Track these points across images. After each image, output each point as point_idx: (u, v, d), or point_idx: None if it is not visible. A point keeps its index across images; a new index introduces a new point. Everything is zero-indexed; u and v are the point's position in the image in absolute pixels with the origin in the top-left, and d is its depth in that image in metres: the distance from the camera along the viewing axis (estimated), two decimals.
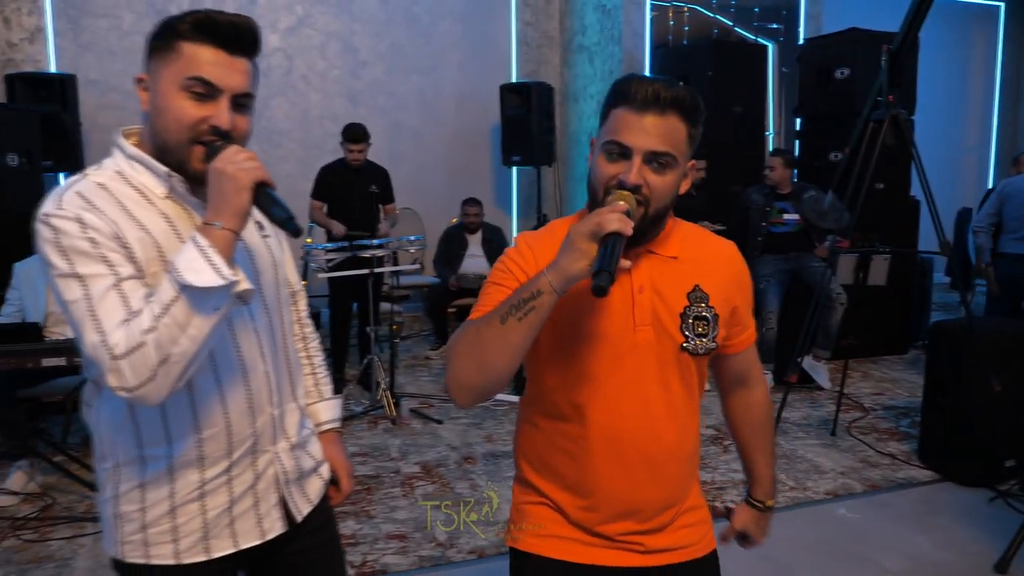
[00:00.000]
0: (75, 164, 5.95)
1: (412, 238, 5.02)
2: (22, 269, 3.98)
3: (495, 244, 6.43)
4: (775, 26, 7.63)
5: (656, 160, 1.28)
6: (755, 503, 1.64)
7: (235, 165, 1.21)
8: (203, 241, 1.18)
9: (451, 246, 6.41)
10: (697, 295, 1.39)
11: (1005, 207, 5.29)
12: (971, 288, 5.23)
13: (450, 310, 6.32)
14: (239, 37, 1.27)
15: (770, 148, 7.46)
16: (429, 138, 7.59)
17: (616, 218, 1.15)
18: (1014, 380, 3.70)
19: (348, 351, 5.60)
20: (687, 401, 1.42)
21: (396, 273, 5.38)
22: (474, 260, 6.39)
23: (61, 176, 6.13)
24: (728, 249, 1.49)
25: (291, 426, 1.47)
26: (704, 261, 1.43)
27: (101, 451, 1.37)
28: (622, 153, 1.29)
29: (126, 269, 1.20)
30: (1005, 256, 5.33)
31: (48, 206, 1.20)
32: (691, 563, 1.47)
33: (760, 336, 5.27)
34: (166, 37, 1.25)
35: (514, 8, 7.73)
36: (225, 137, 1.27)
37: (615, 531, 1.42)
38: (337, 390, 5.00)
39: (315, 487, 1.53)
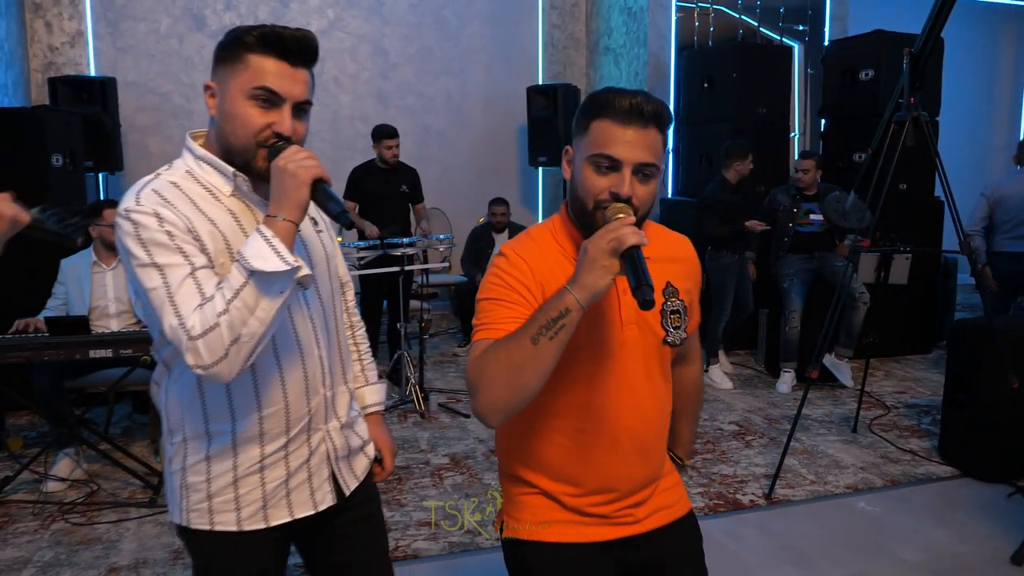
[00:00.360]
0: (114, 164, 6.14)
1: (441, 236, 5.15)
2: (68, 264, 4.15)
3: None
4: (800, 27, 7.67)
5: (643, 171, 1.37)
6: (675, 459, 1.77)
7: (296, 163, 1.33)
8: (268, 232, 1.30)
9: (478, 245, 6.53)
10: (670, 290, 1.51)
11: (997, 210, 5.43)
12: (990, 288, 5.27)
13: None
14: (301, 50, 1.39)
15: (795, 149, 7.50)
16: (456, 139, 7.72)
17: (631, 231, 1.24)
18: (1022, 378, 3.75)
19: (378, 347, 5.74)
20: (666, 387, 1.55)
21: (425, 271, 5.52)
22: None
23: (100, 176, 6.33)
24: (685, 245, 1.61)
25: (341, 407, 1.59)
26: (670, 258, 1.54)
27: (169, 427, 1.50)
28: (611, 166, 1.37)
29: (199, 259, 1.32)
30: (1000, 255, 5.47)
31: (128, 202, 1.33)
32: (675, 523, 1.58)
33: (783, 334, 5.34)
34: (234, 49, 1.37)
35: (541, 11, 7.83)
36: (286, 141, 1.38)
37: (609, 510, 1.52)
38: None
39: (361, 464, 1.65)
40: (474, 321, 1.44)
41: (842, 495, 3.64)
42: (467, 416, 4.75)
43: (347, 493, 1.59)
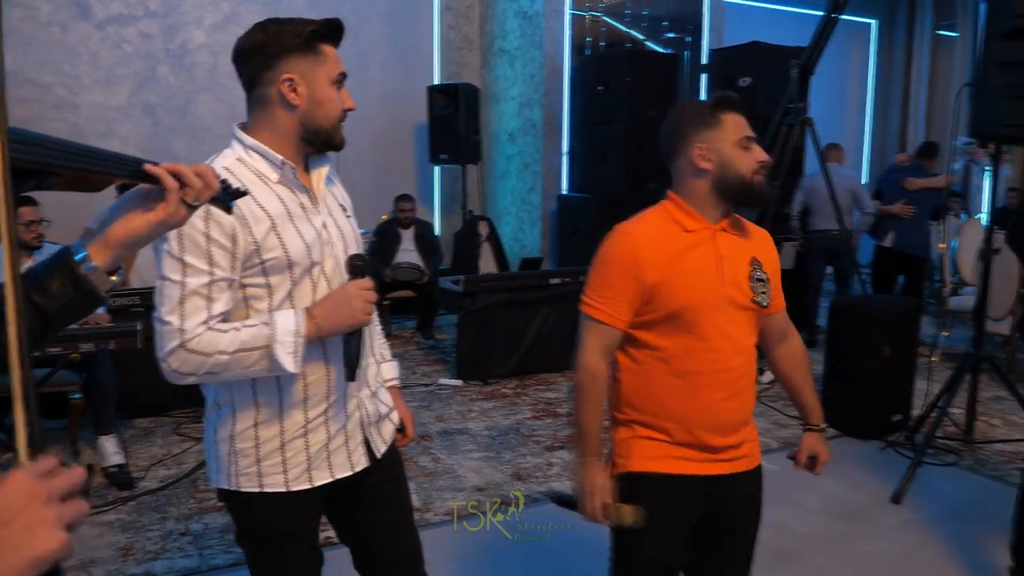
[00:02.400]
0: None
1: (362, 232, 5.28)
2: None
3: (427, 239, 6.74)
4: (683, 37, 8.25)
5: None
6: (814, 427, 2.03)
7: (362, 304, 1.53)
8: (303, 328, 1.49)
9: (385, 241, 6.67)
10: (755, 263, 1.83)
11: (811, 198, 6.32)
12: (858, 269, 5.98)
13: (384, 302, 6.58)
14: (341, 35, 1.60)
15: None
16: (355, 137, 7.66)
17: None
18: (899, 348, 4.35)
19: None
20: (753, 342, 1.86)
21: None
22: (407, 254, 6.67)
23: None
24: (766, 235, 1.94)
25: (371, 377, 1.77)
26: (755, 241, 1.87)
27: (216, 400, 1.62)
28: (749, 144, 1.77)
29: (222, 271, 1.47)
30: (818, 231, 6.33)
31: None
32: (754, 470, 1.89)
33: None
34: (311, 41, 1.53)
35: (436, 12, 8.04)
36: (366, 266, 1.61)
37: (713, 444, 1.80)
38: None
39: (388, 430, 1.81)
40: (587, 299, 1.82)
41: None
42: None
43: (379, 455, 1.74)
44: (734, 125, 1.77)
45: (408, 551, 1.86)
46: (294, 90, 1.53)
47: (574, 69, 7.50)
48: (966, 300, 6.08)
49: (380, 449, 1.76)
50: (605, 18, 7.93)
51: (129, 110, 6.85)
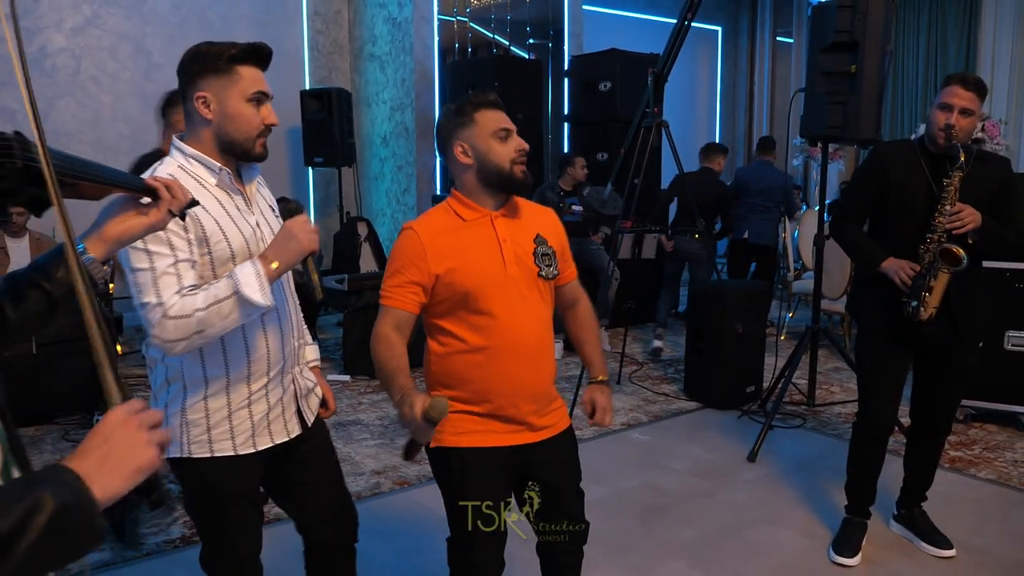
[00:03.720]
0: None
1: None
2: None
3: None
4: (545, 43, 8.65)
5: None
6: (598, 381, 2.17)
7: (305, 234, 1.72)
8: (261, 269, 1.65)
9: None
10: (539, 239, 2.03)
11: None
12: (713, 260, 6.53)
13: None
14: (268, 58, 1.79)
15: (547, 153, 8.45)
16: None
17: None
18: (750, 326, 4.86)
19: None
20: (547, 312, 2.05)
21: None
22: None
23: None
24: (549, 212, 2.16)
25: (301, 355, 2.00)
26: (539, 218, 2.08)
27: (167, 378, 1.81)
28: (506, 136, 1.94)
29: (183, 253, 1.67)
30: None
31: None
32: (560, 435, 2.07)
33: None
34: (229, 62, 1.72)
35: (305, 16, 8.08)
36: (298, 207, 1.80)
37: (513, 415, 1.99)
38: None
39: (314, 402, 2.05)
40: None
41: (619, 430, 4.49)
42: None
43: (309, 424, 1.99)
44: (488, 120, 1.93)
45: (342, 503, 2.10)
46: (207, 106, 1.74)
47: (443, 73, 7.74)
48: (808, 284, 6.76)
49: (310, 419, 2.01)
50: (471, 24, 8.22)
51: None
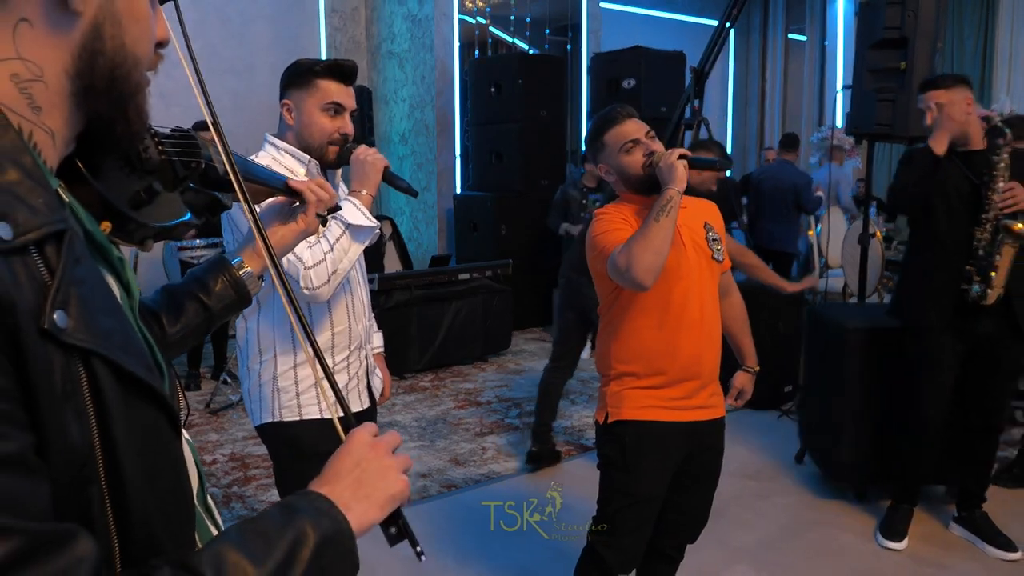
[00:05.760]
0: None
1: None
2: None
3: None
4: (563, 42, 8.60)
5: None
6: (748, 369, 2.40)
7: (372, 156, 1.88)
8: (356, 200, 1.83)
9: None
10: (708, 226, 2.14)
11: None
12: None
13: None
14: (351, 74, 1.93)
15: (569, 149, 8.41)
16: (244, 139, 7.65)
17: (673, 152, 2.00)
18: (786, 328, 4.82)
19: (203, 349, 5.70)
20: (716, 294, 2.14)
21: None
22: None
23: None
24: (709, 203, 2.25)
25: (370, 336, 2.17)
26: (704, 209, 2.19)
27: (258, 348, 1.96)
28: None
29: None
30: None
31: None
32: (719, 420, 2.20)
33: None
34: (309, 76, 1.89)
35: (322, 14, 8.02)
36: (355, 142, 1.93)
37: (688, 392, 2.07)
38: (197, 387, 5.18)
39: (376, 383, 2.22)
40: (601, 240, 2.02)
41: None
42: None
43: (377, 399, 2.21)
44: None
45: None
46: (290, 112, 1.95)
47: (464, 71, 7.69)
48: (833, 283, 6.72)
49: (375, 395, 2.21)
50: (491, 29, 8.19)
51: None
